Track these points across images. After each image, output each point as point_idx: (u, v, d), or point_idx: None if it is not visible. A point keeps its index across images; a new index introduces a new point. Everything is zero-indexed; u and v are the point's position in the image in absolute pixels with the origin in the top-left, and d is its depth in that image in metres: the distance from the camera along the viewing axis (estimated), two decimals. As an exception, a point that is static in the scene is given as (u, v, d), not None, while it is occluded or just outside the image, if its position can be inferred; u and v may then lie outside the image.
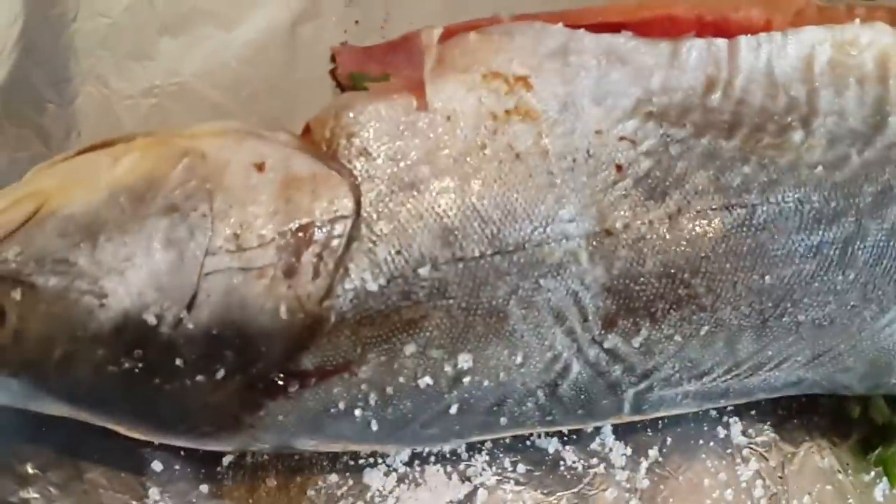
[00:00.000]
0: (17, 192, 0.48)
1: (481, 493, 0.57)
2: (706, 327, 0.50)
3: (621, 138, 0.50)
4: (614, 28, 0.60)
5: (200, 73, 0.61)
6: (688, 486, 0.58)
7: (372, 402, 0.49)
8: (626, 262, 0.49)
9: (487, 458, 0.57)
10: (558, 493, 0.58)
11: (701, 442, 0.59)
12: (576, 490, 0.58)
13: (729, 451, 0.59)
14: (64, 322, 0.46)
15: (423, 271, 0.48)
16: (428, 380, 0.49)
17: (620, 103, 0.51)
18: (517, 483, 0.57)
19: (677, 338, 0.50)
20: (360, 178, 0.48)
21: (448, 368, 0.49)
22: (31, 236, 0.46)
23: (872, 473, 0.60)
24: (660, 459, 0.58)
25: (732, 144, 0.50)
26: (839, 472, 0.60)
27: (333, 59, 0.63)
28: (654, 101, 0.51)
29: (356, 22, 0.64)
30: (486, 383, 0.49)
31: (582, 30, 0.53)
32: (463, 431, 0.52)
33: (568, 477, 0.58)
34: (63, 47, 0.60)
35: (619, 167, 0.50)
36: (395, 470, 0.56)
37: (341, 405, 0.49)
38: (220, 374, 0.47)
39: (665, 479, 0.58)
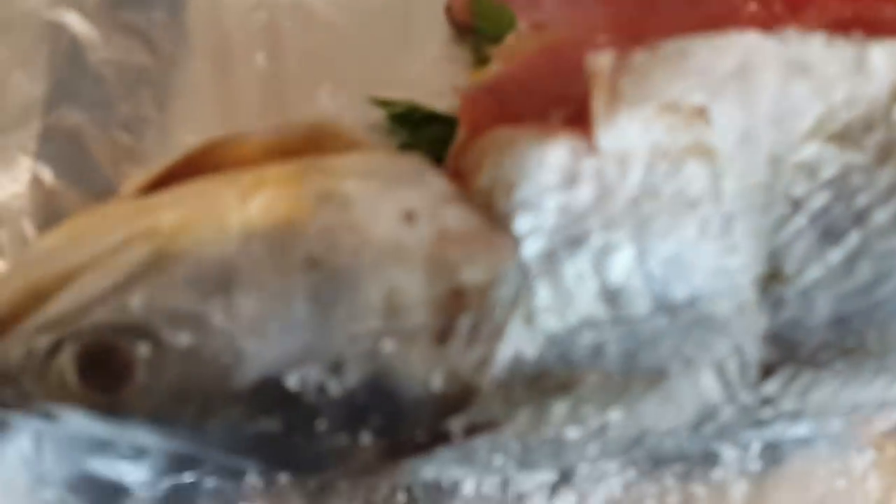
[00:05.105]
0: (125, 228, 0.42)
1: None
2: (869, 372, 0.47)
3: (799, 166, 0.44)
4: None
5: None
6: (800, 472, 0.54)
7: (513, 450, 0.46)
8: (794, 309, 0.45)
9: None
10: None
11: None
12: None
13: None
14: (198, 382, 0.42)
15: (583, 335, 0.43)
16: (573, 432, 0.45)
17: (800, 124, 0.44)
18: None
19: (836, 382, 0.47)
20: (520, 235, 0.42)
21: (596, 421, 0.45)
22: (154, 284, 0.41)
23: None
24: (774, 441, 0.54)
25: None
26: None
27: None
28: (836, 118, 0.44)
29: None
30: (631, 430, 0.46)
31: (762, 38, 0.44)
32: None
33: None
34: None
35: (794, 202, 0.44)
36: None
37: (481, 452, 0.46)
38: (364, 438, 0.44)
39: (777, 463, 0.54)
